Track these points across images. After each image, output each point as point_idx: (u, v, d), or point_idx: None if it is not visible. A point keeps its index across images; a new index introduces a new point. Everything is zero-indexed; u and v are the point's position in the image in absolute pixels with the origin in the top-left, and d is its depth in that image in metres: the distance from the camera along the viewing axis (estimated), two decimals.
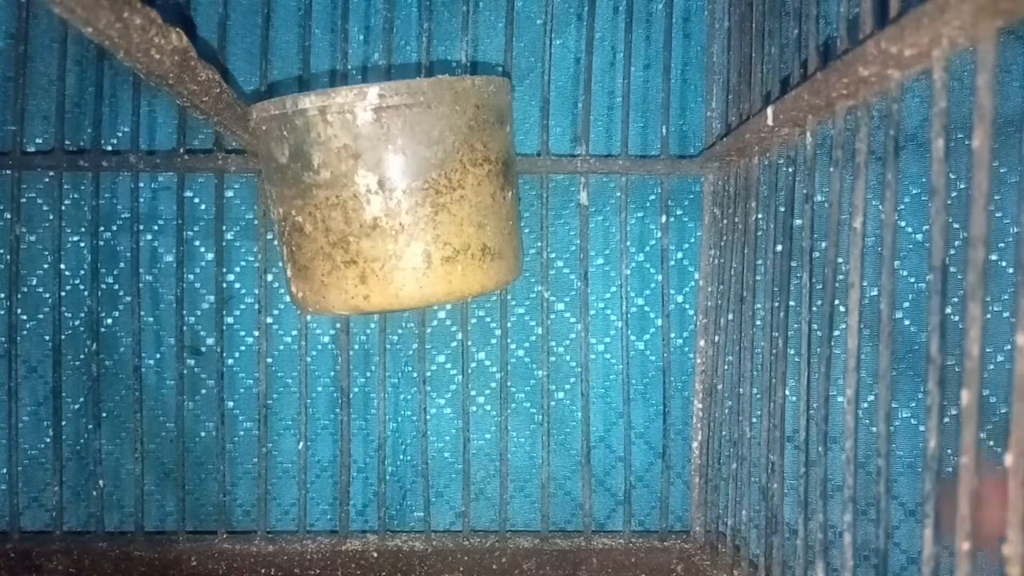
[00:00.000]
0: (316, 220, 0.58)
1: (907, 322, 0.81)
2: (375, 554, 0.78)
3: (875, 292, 0.77)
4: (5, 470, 0.81)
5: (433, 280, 0.58)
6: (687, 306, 0.84)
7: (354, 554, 0.78)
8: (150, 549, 0.78)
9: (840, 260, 0.58)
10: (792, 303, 0.66)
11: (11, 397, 0.80)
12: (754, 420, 0.70)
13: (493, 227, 0.60)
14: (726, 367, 0.73)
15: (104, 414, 0.83)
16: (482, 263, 0.59)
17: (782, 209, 0.66)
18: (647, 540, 0.79)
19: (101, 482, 0.79)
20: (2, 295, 0.81)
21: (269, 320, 0.83)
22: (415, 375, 0.83)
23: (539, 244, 0.81)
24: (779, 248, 0.67)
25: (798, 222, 0.64)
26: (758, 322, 0.70)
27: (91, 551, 0.78)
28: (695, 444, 0.79)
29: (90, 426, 0.82)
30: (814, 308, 0.62)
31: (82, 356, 0.83)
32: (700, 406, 0.78)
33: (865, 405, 0.76)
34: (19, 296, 0.81)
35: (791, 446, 0.67)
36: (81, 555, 0.78)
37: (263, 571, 0.78)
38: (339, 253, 0.58)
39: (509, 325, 0.82)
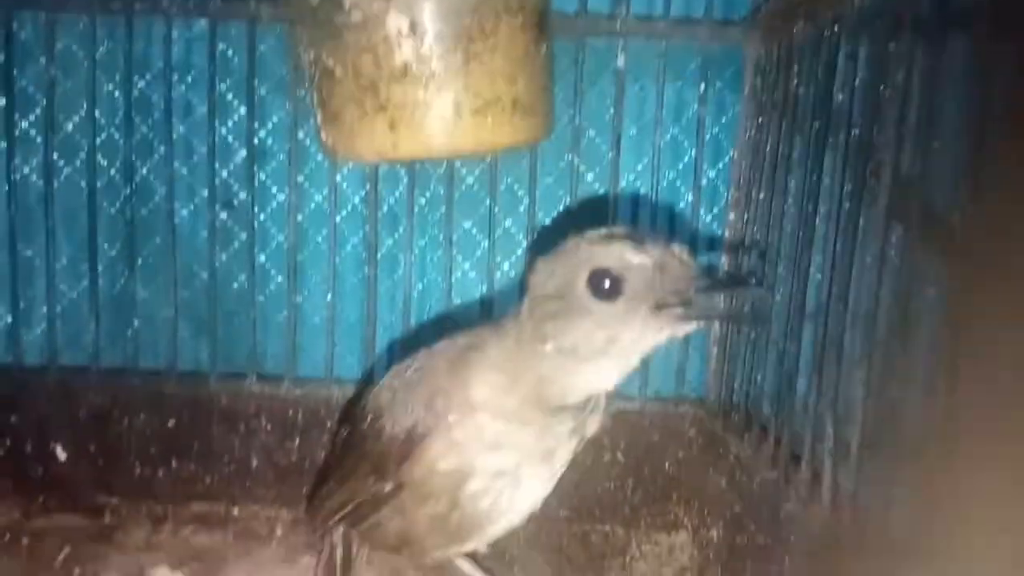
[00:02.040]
0: (346, 64, 0.58)
1: None
2: None
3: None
4: (44, 309, 0.85)
5: (462, 130, 0.58)
6: (719, 182, 0.83)
7: None
8: (182, 388, 0.82)
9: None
10: (826, 180, 0.65)
11: (49, 239, 0.83)
12: (778, 297, 0.70)
13: (525, 81, 0.59)
14: (756, 236, 0.73)
15: (139, 261, 0.85)
16: (512, 117, 0.59)
17: (824, 81, 0.64)
18: (662, 405, 0.81)
19: (136, 321, 0.82)
20: (40, 139, 0.83)
21: (300, 178, 0.84)
22: (442, 238, 0.83)
23: (571, 111, 0.80)
24: (816, 124, 0.65)
25: (839, 97, 0.62)
26: (789, 199, 0.70)
27: (126, 387, 0.82)
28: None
29: (126, 272, 0.85)
30: (847, 186, 0.61)
31: (117, 204, 0.85)
32: None
33: None
34: (56, 141, 0.82)
35: (810, 327, 0.67)
36: (116, 390, 0.82)
37: (291, 412, 0.81)
38: (369, 99, 0.58)
39: (538, 194, 0.82)
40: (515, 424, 0.59)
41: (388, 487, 0.62)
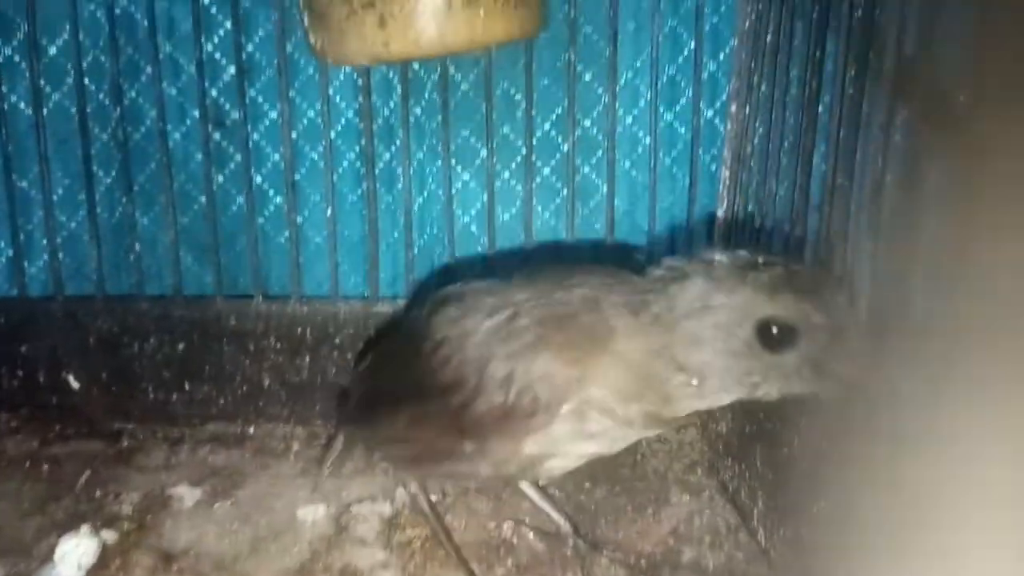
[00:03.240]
0: None
1: None
2: None
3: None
4: (45, 240, 0.84)
5: (455, 24, 0.56)
6: (720, 74, 0.81)
7: (385, 316, 0.81)
8: (189, 310, 0.82)
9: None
10: (828, 65, 0.64)
11: (43, 169, 0.82)
12: (781, 192, 0.70)
13: None
14: (758, 127, 0.72)
15: (136, 187, 0.84)
16: (504, 9, 0.57)
17: None
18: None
19: (137, 246, 0.82)
20: (24, 65, 0.81)
21: (292, 93, 0.82)
22: (440, 148, 0.82)
23: (566, 7, 0.77)
24: (817, 7, 0.63)
25: None
26: (792, 87, 0.68)
27: (133, 311, 0.82)
28: (720, 213, 0.79)
29: (123, 200, 0.84)
30: (850, 70, 0.60)
31: (109, 129, 0.84)
32: (727, 173, 0.78)
33: None
34: (41, 66, 0.80)
35: (815, 216, 0.67)
36: (124, 315, 0.82)
37: (299, 330, 0.82)
38: None
39: (535, 97, 0.80)
40: (620, 424, 0.56)
41: (469, 448, 0.58)
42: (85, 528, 0.70)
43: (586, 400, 0.54)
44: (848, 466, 0.59)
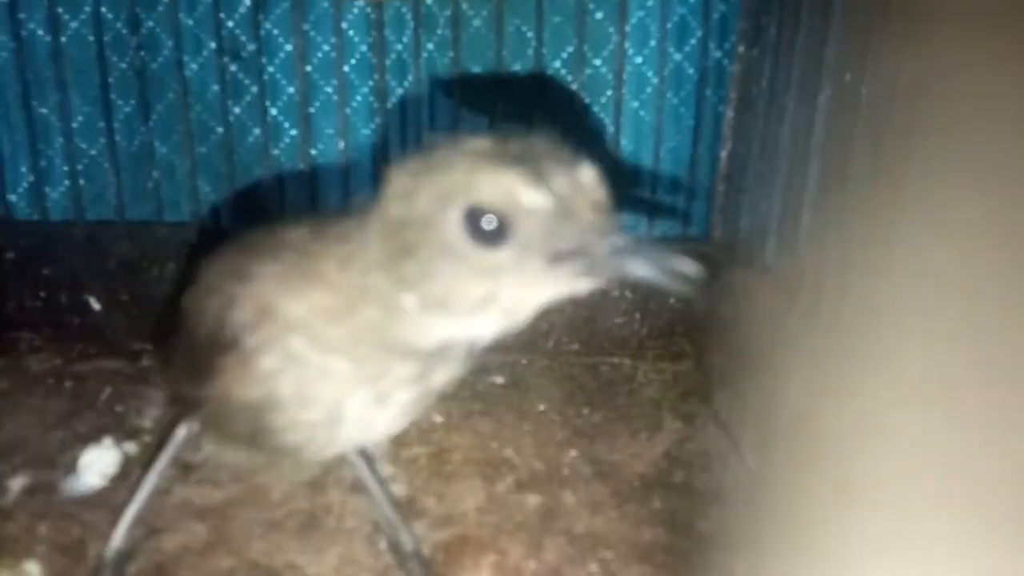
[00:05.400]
0: None
1: None
2: None
3: None
4: (66, 167, 0.87)
5: None
6: (730, 15, 0.82)
7: None
8: (208, 236, 0.85)
9: None
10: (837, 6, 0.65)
11: (63, 96, 0.84)
12: (784, 135, 0.71)
13: None
14: (765, 69, 0.73)
15: (154, 116, 0.86)
16: None
17: None
18: (667, 244, 0.83)
19: (156, 173, 0.84)
20: None
21: (306, 27, 0.83)
22: (451, 84, 0.84)
23: None
24: None
25: None
26: (801, 28, 0.69)
27: (153, 236, 0.85)
28: (724, 153, 0.81)
29: (142, 128, 0.86)
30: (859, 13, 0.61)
31: (127, 59, 0.85)
32: (732, 114, 0.79)
33: None
34: None
35: (816, 160, 0.68)
36: (144, 241, 0.85)
37: None
38: None
39: (545, 35, 0.81)
40: (337, 358, 0.48)
41: (202, 393, 0.53)
42: (108, 440, 0.73)
43: (282, 323, 0.48)
44: (833, 397, 0.62)
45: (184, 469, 0.71)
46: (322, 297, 0.47)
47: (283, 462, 0.71)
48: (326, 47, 0.85)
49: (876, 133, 0.58)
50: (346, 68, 0.84)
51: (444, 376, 0.51)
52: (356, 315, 0.47)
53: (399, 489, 0.69)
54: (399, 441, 0.74)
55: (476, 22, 0.84)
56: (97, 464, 0.71)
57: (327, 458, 0.62)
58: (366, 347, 0.48)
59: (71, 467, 0.71)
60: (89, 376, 0.83)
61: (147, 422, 0.77)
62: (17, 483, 0.69)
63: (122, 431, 0.75)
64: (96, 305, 0.87)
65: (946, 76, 0.50)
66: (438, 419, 0.75)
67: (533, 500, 0.68)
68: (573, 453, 0.73)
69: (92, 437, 0.74)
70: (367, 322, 0.47)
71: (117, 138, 0.85)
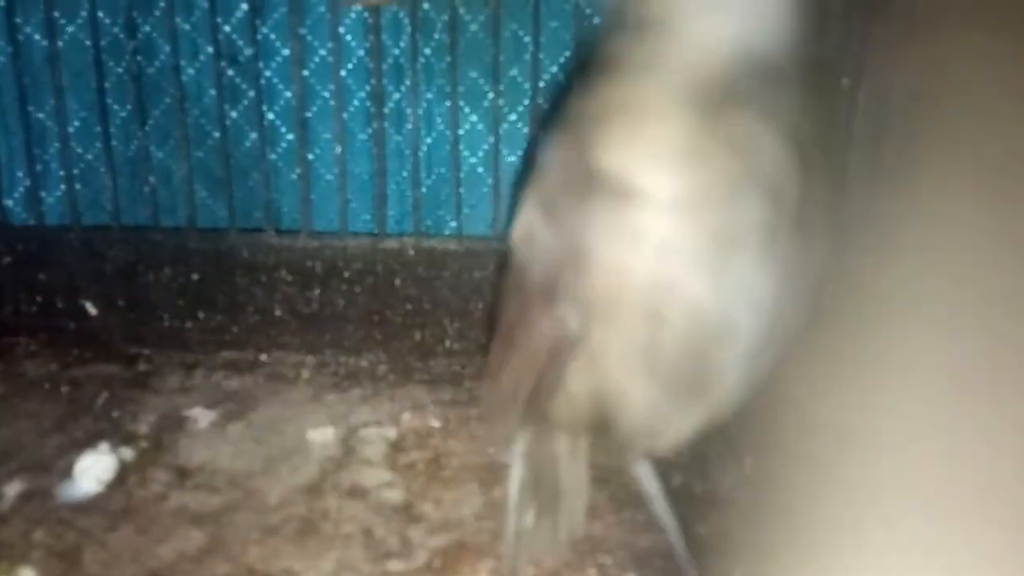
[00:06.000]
0: None
1: None
2: (412, 252, 0.84)
3: None
4: (62, 172, 0.86)
5: None
6: None
7: (392, 251, 0.84)
8: (203, 242, 0.85)
9: None
10: None
11: (59, 101, 0.84)
12: None
13: None
14: None
15: (151, 121, 0.86)
16: None
17: None
18: None
19: (152, 178, 0.84)
20: None
21: (303, 31, 0.83)
22: (448, 90, 0.84)
23: None
24: None
25: None
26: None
27: (148, 242, 0.85)
28: None
29: (139, 133, 0.86)
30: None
31: (124, 63, 0.85)
32: None
33: None
34: None
35: None
36: (140, 246, 0.85)
37: (308, 263, 0.84)
38: None
39: (543, 39, 0.81)
40: (679, 165, 0.42)
41: (572, 318, 0.46)
42: (104, 445, 0.73)
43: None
44: (833, 401, 0.62)
45: (180, 475, 0.70)
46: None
47: (280, 466, 0.71)
48: (323, 52, 0.85)
49: (874, 137, 0.59)
50: (343, 73, 0.84)
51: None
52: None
53: (396, 495, 0.68)
54: (397, 446, 0.74)
55: (473, 27, 0.84)
56: (93, 470, 0.71)
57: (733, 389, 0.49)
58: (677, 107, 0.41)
59: (67, 472, 0.71)
60: (85, 381, 0.83)
61: (143, 427, 0.76)
62: (13, 489, 0.69)
63: (118, 436, 0.75)
64: (92, 310, 0.87)
65: (944, 82, 0.51)
66: (435, 424, 0.75)
67: None
68: None
69: (88, 443, 0.74)
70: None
71: (113, 143, 0.85)
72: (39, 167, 0.87)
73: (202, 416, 0.78)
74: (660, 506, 0.61)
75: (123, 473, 0.71)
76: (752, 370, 0.47)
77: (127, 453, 0.73)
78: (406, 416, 0.77)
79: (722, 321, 0.44)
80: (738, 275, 0.43)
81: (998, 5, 0.44)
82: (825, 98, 0.43)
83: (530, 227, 0.49)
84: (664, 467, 0.71)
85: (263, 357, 0.86)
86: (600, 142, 0.44)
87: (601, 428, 0.49)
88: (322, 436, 0.75)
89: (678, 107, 0.42)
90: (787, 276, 0.44)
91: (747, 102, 0.41)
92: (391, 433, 0.76)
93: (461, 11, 0.82)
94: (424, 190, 0.86)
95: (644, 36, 0.42)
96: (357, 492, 0.69)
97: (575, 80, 0.47)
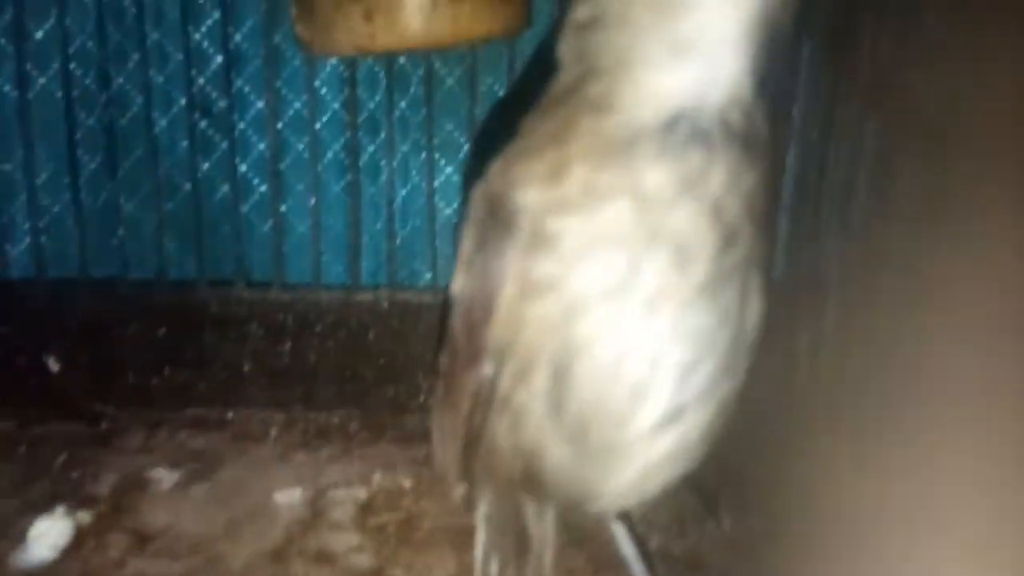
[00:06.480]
0: None
1: None
2: (386, 304, 0.83)
3: None
4: (28, 224, 0.85)
5: (440, 19, 0.57)
6: None
7: (366, 304, 0.83)
8: (172, 295, 0.83)
9: None
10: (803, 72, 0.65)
11: (28, 152, 0.82)
12: None
13: None
14: None
15: (121, 172, 0.85)
16: (490, 4, 0.59)
17: None
18: None
19: (121, 230, 0.83)
20: (10, 48, 0.82)
21: (278, 84, 0.83)
22: (424, 141, 0.83)
23: (551, 4, 0.79)
24: None
25: None
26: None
27: (116, 297, 0.83)
28: None
29: (108, 184, 0.85)
30: (823, 77, 0.62)
31: (95, 115, 0.84)
32: None
33: None
34: (27, 50, 0.81)
35: (786, 216, 0.68)
36: (106, 301, 0.83)
37: (280, 317, 0.82)
38: None
39: None
40: (592, 207, 0.40)
41: (488, 369, 0.45)
42: (60, 509, 0.70)
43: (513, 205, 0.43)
44: (811, 459, 0.61)
45: (139, 540, 0.67)
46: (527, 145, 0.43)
47: (244, 530, 0.68)
48: (298, 104, 0.85)
49: (844, 193, 0.59)
50: (318, 125, 0.84)
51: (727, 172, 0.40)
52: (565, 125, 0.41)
53: (365, 560, 0.66)
54: (367, 508, 0.71)
55: (449, 81, 0.84)
56: (48, 535, 0.68)
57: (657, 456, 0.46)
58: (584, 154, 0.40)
59: (21, 538, 0.67)
60: (44, 440, 0.80)
61: (103, 489, 0.73)
62: None
63: (76, 499, 0.72)
64: (55, 366, 0.84)
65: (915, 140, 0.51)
66: (407, 483, 0.73)
67: None
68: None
69: (44, 506, 0.71)
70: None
71: (82, 194, 0.84)
72: (5, 219, 0.85)
73: (165, 477, 0.75)
74: (638, 569, 0.60)
75: (79, 538, 0.68)
76: (692, 429, 0.44)
77: (85, 517, 0.70)
78: (377, 476, 0.74)
79: (635, 382, 0.42)
80: (655, 333, 0.41)
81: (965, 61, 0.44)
82: (776, 151, 0.43)
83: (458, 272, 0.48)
84: (642, 528, 0.70)
85: (230, 414, 0.83)
86: (519, 180, 0.43)
87: (533, 487, 0.48)
88: (289, 498, 0.72)
89: (610, 152, 0.41)
90: (717, 332, 0.42)
91: (695, 151, 0.40)
92: (361, 494, 0.73)
93: (437, 65, 0.82)
94: (399, 241, 0.85)
95: (594, 79, 0.41)
96: (325, 557, 0.66)
97: (515, 114, 0.45)
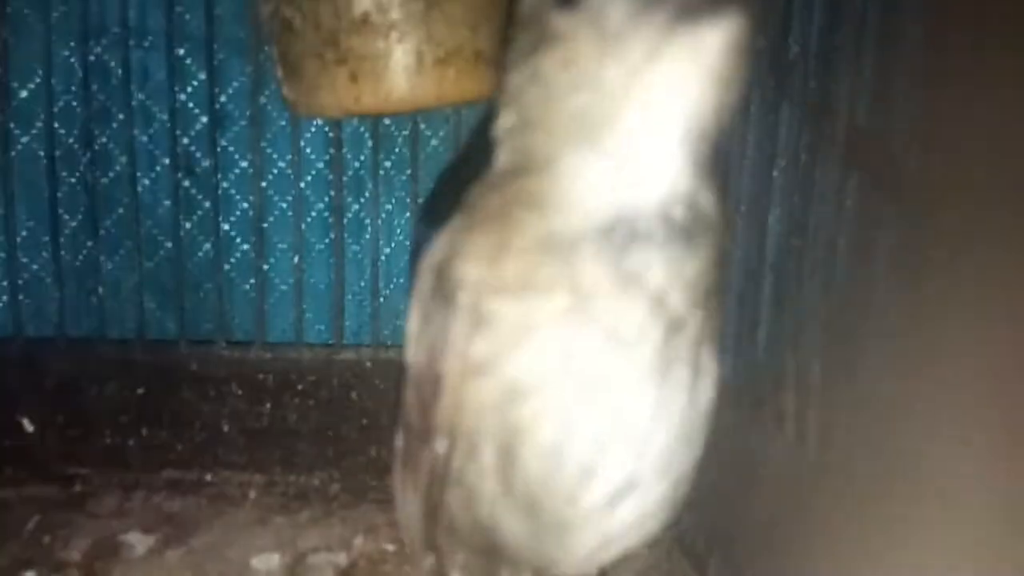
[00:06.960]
0: (305, 15, 0.57)
1: None
2: (369, 363, 0.82)
3: None
4: (6, 282, 0.84)
5: (425, 82, 0.58)
6: None
7: (349, 363, 0.82)
8: (151, 355, 0.82)
9: None
10: (782, 132, 0.67)
11: (8, 210, 0.81)
12: (737, 254, 0.72)
13: (487, 31, 0.60)
14: None
15: (102, 231, 0.84)
16: (475, 68, 0.59)
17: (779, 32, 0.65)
18: None
19: (100, 288, 0.82)
20: None
21: (263, 144, 0.83)
22: (408, 200, 0.84)
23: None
24: (772, 76, 0.67)
25: (795, 48, 0.63)
26: (748, 152, 0.71)
27: (93, 356, 0.82)
28: None
29: (89, 243, 0.84)
30: (804, 137, 0.63)
31: (77, 173, 0.84)
32: None
33: None
34: (11, 109, 0.81)
35: (770, 277, 0.69)
36: (84, 360, 0.82)
37: (261, 376, 0.81)
38: (329, 51, 0.58)
39: None
40: (529, 295, 0.40)
41: (441, 447, 0.44)
42: (30, 575, 0.68)
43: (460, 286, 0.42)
44: (801, 521, 0.60)
45: None
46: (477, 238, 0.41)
47: None
48: (282, 164, 0.85)
49: (826, 252, 0.59)
50: (302, 184, 0.84)
51: (663, 270, 0.39)
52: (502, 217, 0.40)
53: None
54: (347, 574, 0.69)
55: (434, 141, 0.85)
56: None
57: (610, 538, 0.45)
58: (531, 256, 0.39)
59: None
60: (16, 503, 0.78)
61: (75, 555, 0.71)
62: None
63: (47, 565, 0.70)
64: (29, 426, 0.82)
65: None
66: (389, 548, 0.71)
67: None
68: None
69: (14, 571, 0.68)
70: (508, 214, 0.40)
71: (62, 252, 0.83)
72: None
73: (139, 541, 0.73)
74: None
75: None
76: (651, 500, 0.44)
77: None
78: (359, 540, 0.72)
79: (581, 461, 0.41)
80: (599, 415, 0.41)
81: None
82: (725, 224, 0.42)
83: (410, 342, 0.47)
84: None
85: (208, 477, 0.82)
86: (461, 254, 0.42)
87: (497, 556, 0.47)
88: (266, 563, 0.70)
89: (547, 249, 0.40)
90: (670, 408, 0.42)
91: (634, 254, 0.39)
92: (341, 559, 0.71)
93: (422, 126, 0.83)
94: (382, 300, 0.85)
95: (529, 176, 0.40)
96: None
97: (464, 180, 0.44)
